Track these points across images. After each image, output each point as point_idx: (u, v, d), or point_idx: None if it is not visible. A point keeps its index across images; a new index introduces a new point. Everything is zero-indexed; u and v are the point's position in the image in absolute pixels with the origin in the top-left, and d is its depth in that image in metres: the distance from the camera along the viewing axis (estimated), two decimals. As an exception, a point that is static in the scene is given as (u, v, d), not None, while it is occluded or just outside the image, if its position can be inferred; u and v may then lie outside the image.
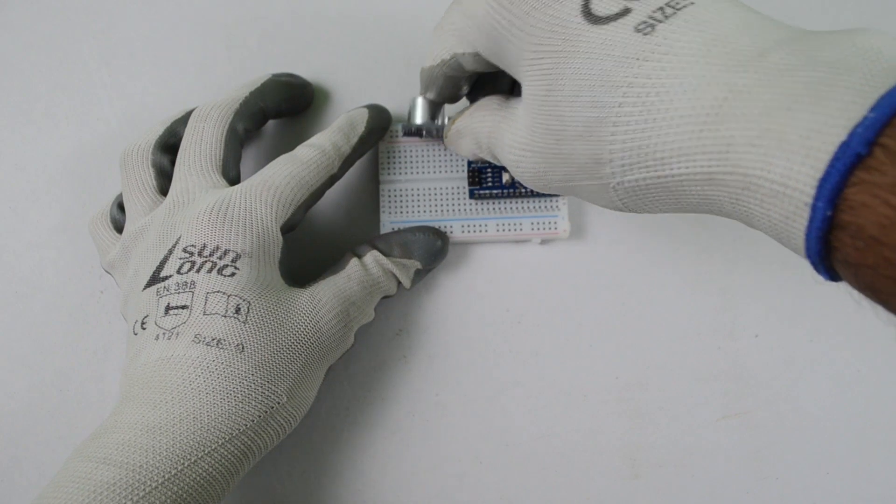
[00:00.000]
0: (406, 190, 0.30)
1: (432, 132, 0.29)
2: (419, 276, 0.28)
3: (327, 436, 0.29)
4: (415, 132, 0.29)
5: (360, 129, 0.28)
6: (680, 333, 0.30)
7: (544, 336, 0.30)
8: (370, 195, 0.31)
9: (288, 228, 0.26)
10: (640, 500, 0.29)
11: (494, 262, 0.31)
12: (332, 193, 0.31)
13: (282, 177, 0.26)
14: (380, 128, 0.29)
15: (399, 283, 0.28)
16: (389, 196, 0.30)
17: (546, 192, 0.25)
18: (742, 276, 0.30)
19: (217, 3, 0.33)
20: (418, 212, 0.30)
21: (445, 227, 0.30)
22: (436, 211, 0.30)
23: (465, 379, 0.29)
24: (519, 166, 0.23)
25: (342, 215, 0.31)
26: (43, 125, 0.32)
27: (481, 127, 0.25)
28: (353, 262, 0.27)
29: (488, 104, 0.25)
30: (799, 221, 0.16)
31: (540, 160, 0.22)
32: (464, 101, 0.28)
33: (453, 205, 0.30)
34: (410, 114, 0.28)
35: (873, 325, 0.30)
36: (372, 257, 0.27)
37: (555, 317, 0.30)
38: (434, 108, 0.28)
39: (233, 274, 0.24)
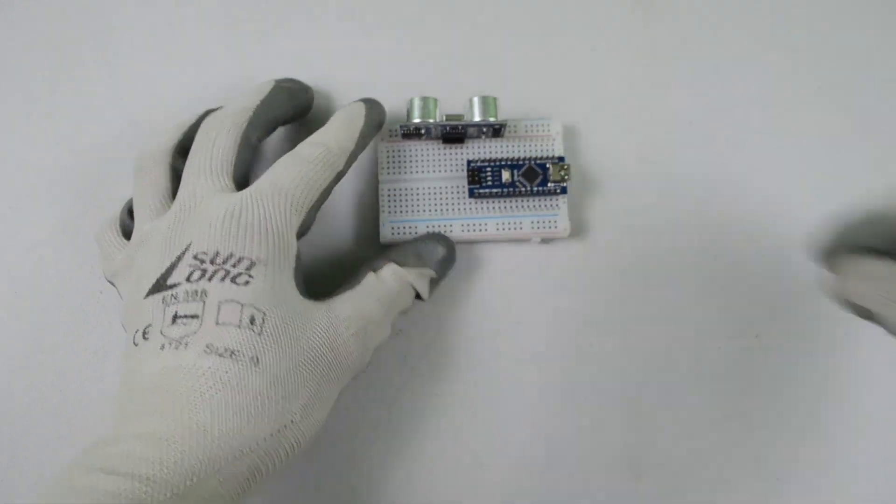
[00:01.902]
0: (405, 189, 0.30)
1: (431, 131, 0.29)
2: (433, 285, 0.28)
3: (326, 436, 0.29)
4: (413, 132, 0.29)
5: (360, 122, 0.27)
6: (680, 333, 0.30)
7: (544, 336, 0.30)
8: (370, 195, 0.31)
9: (301, 233, 0.26)
10: (641, 500, 0.28)
11: (494, 262, 0.30)
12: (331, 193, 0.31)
13: (291, 178, 0.25)
14: (377, 121, 0.28)
15: (415, 295, 0.27)
16: (389, 196, 0.30)
17: None
18: (742, 276, 0.30)
19: (217, 3, 0.33)
20: (418, 211, 0.30)
21: (445, 226, 0.30)
22: (435, 210, 0.30)
23: (464, 379, 0.29)
24: None
25: (342, 215, 0.31)
26: (43, 125, 0.32)
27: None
28: (370, 276, 0.26)
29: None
30: None
31: None
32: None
33: (453, 204, 0.30)
34: (409, 113, 0.28)
35: (871, 326, 0.30)
36: (389, 270, 0.26)
37: (555, 316, 0.30)
38: (432, 107, 0.28)
39: (247, 283, 0.23)
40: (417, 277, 0.27)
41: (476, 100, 0.28)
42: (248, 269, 0.23)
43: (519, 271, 0.30)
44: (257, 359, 0.22)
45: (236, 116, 0.27)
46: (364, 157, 0.31)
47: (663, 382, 0.29)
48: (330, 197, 0.31)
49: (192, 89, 0.32)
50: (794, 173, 0.31)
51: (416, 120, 0.28)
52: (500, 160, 0.30)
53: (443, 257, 0.28)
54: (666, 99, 0.32)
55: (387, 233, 0.29)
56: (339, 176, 0.27)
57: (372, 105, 0.28)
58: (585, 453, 0.29)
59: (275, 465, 0.23)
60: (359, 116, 0.27)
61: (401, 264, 0.27)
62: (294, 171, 0.25)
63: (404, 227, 0.30)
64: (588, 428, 0.29)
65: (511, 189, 0.29)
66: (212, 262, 0.23)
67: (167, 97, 0.32)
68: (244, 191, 0.25)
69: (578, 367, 0.30)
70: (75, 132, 0.32)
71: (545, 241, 0.31)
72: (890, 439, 0.29)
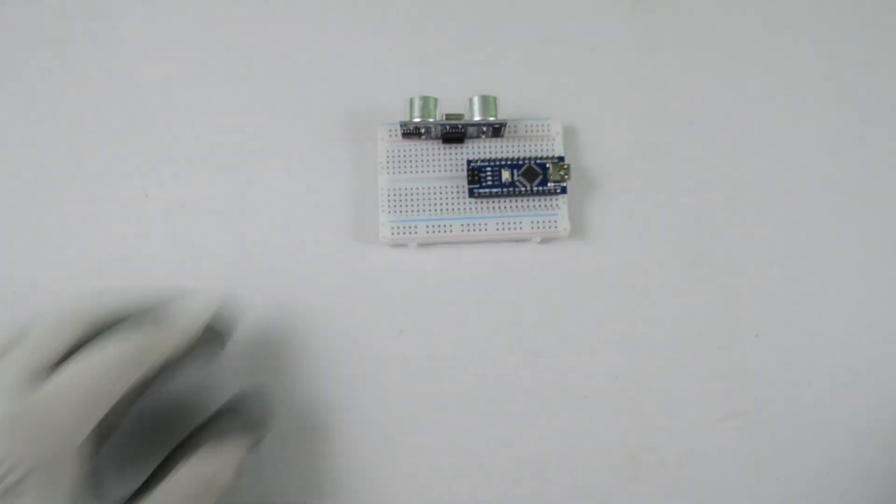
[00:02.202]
0: (405, 189, 0.30)
1: (431, 131, 0.29)
2: (248, 454, 0.25)
3: (326, 436, 0.29)
4: (413, 131, 0.29)
5: (192, 329, 0.24)
6: (680, 333, 0.30)
7: (544, 336, 0.30)
8: (370, 195, 0.31)
9: (104, 434, 0.22)
10: (641, 500, 0.29)
11: (494, 262, 0.30)
12: (331, 194, 0.31)
13: (78, 386, 0.21)
14: (217, 335, 0.25)
15: (231, 472, 0.24)
16: (389, 196, 0.30)
17: None
18: (742, 276, 0.30)
19: (217, 3, 0.33)
20: (418, 211, 0.30)
21: (445, 226, 0.30)
22: (435, 210, 0.30)
23: (465, 379, 0.29)
24: None
25: (342, 215, 0.31)
26: (43, 125, 0.32)
27: None
28: (180, 469, 0.23)
29: None
30: None
31: None
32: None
33: (453, 204, 0.30)
34: (409, 113, 0.28)
35: (872, 326, 0.30)
36: (202, 455, 0.23)
37: (555, 317, 0.30)
38: (432, 106, 0.28)
39: (18, 496, 0.20)
40: (229, 456, 0.24)
41: (476, 99, 0.28)
42: (22, 480, 0.20)
43: (519, 271, 0.30)
44: None
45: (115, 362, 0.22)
46: (364, 156, 0.31)
47: (663, 382, 0.29)
48: (330, 197, 0.31)
49: (191, 90, 0.32)
50: (793, 172, 0.31)
51: (416, 119, 0.28)
52: (500, 160, 0.30)
53: (254, 425, 0.25)
54: (666, 98, 0.32)
55: (387, 233, 0.29)
56: (149, 380, 0.23)
57: (217, 320, 0.25)
58: (585, 453, 0.29)
59: None
60: (195, 321, 0.24)
61: (209, 446, 0.23)
62: (86, 376, 0.22)
63: (404, 227, 0.30)
64: (588, 428, 0.29)
65: (511, 189, 0.29)
66: None
67: (166, 97, 0.32)
68: (36, 392, 0.21)
69: (578, 366, 0.30)
70: (74, 132, 0.32)
71: (545, 240, 0.30)
72: (890, 440, 0.29)
